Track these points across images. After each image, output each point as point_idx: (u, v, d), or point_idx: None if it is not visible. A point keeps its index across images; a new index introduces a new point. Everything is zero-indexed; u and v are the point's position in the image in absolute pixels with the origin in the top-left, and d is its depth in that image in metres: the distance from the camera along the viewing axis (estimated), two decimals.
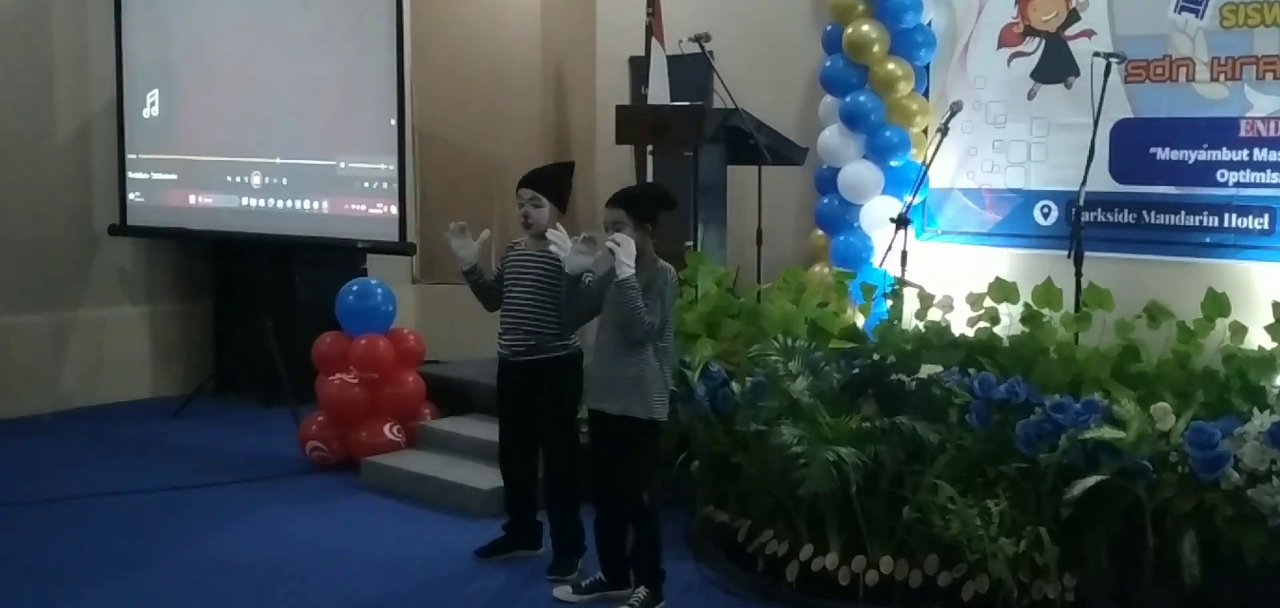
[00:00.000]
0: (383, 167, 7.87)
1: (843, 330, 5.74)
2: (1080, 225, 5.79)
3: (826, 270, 7.12)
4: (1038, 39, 6.71)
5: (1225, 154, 6.14)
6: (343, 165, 8.02)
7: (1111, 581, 4.70)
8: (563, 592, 5.13)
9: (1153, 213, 6.35)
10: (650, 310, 4.67)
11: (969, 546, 4.69)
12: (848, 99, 7.08)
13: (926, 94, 7.18)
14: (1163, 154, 6.31)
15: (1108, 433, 4.58)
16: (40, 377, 8.23)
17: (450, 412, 7.17)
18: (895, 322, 5.64)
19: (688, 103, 7.07)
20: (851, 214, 7.17)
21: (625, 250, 4.65)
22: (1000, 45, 6.84)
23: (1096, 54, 6.18)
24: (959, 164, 6.96)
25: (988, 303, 5.61)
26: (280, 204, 8.24)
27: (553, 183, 5.29)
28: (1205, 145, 6.18)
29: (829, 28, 7.21)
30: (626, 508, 4.86)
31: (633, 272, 4.65)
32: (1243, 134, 6.10)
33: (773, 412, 5.23)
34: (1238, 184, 6.11)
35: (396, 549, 5.69)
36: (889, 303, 5.86)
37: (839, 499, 4.92)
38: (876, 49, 7.00)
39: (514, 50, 9.25)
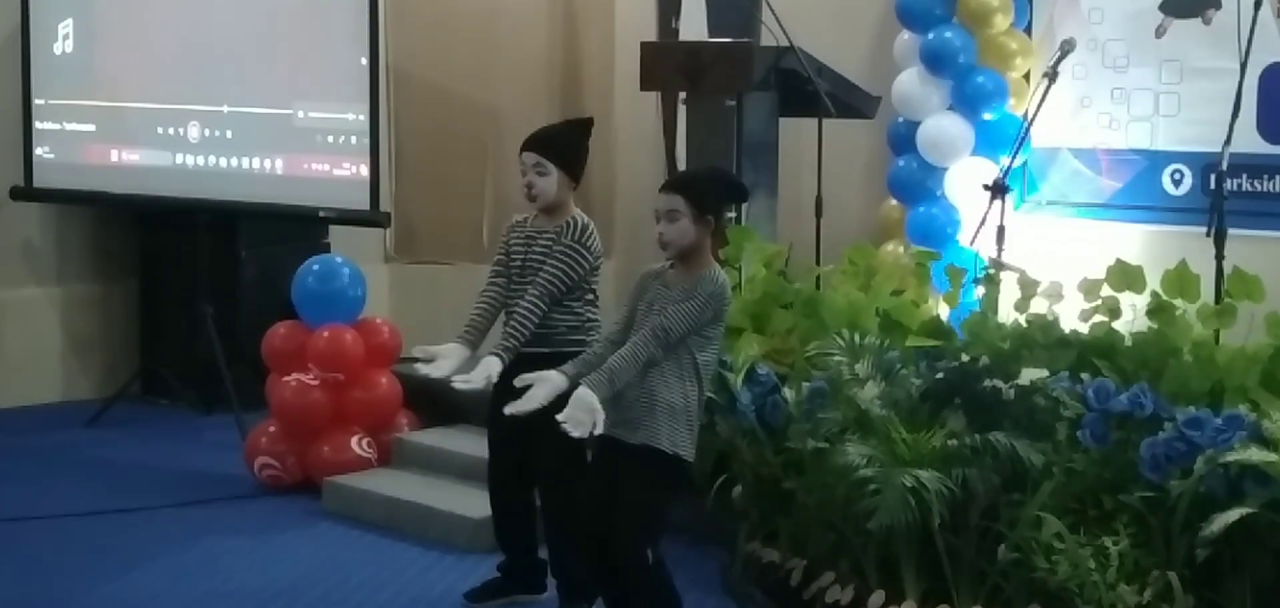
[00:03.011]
0: (351, 117, 7.87)
1: (923, 325, 5.72)
2: (1222, 196, 5.76)
3: (903, 250, 7.10)
4: None
5: None
6: (301, 115, 8.03)
7: None
8: None
9: None
10: (681, 318, 4.57)
11: (1080, 594, 4.67)
12: (930, 35, 7.07)
13: (1028, 30, 7.16)
14: None
15: (1256, 455, 4.54)
16: None
17: (433, 422, 7.19)
18: (989, 314, 5.62)
19: (730, 39, 7.06)
20: (934, 180, 7.16)
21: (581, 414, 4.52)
22: None
23: None
24: (1069, 118, 6.95)
25: (1106, 292, 5.58)
26: (223, 163, 8.25)
27: (564, 147, 5.27)
28: None
29: None
30: (623, 561, 4.69)
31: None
32: None
33: (835, 425, 5.21)
34: None
35: (365, 591, 5.69)
36: (981, 291, 5.84)
37: (918, 535, 4.91)
38: None
39: None
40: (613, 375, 4.52)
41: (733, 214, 6.70)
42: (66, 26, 8.55)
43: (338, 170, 7.95)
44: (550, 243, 5.14)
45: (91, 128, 8.56)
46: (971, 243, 6.32)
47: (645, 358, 4.55)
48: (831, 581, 5.19)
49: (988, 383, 5.15)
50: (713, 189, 4.80)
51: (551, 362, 5.13)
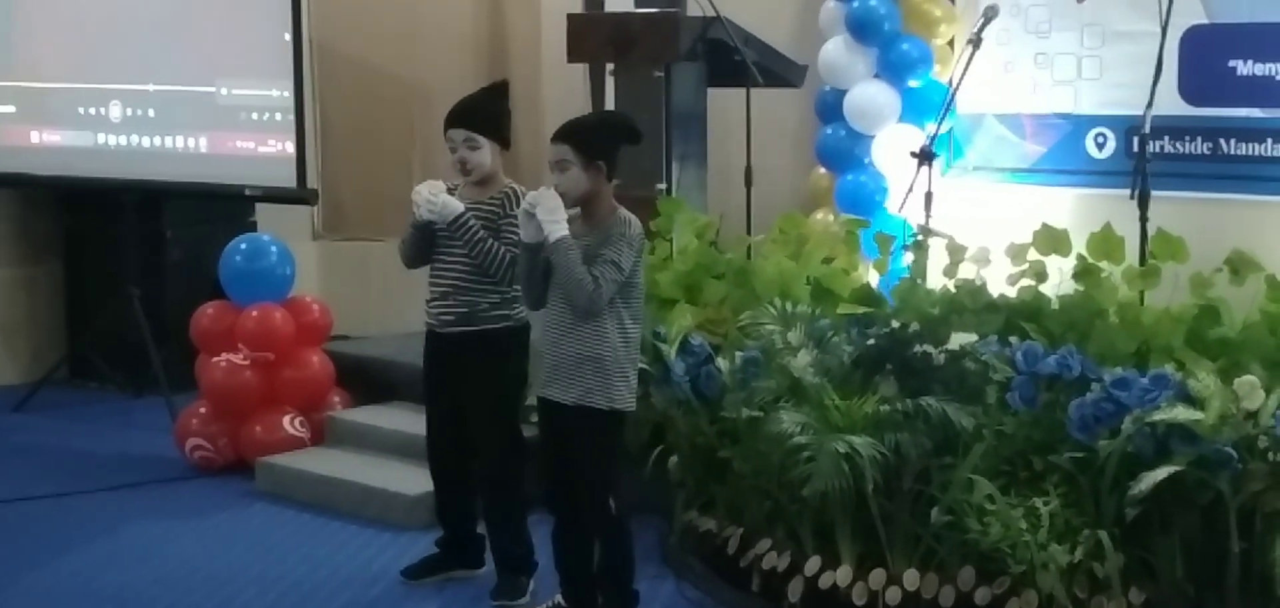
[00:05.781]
0: (275, 93, 7.83)
1: (854, 292, 5.76)
2: (1145, 158, 5.82)
3: (832, 218, 7.14)
4: None
5: None
6: (225, 92, 7.97)
7: (1187, 595, 4.74)
8: None
9: (1233, 141, 6.40)
10: (605, 274, 4.60)
11: (1012, 555, 4.72)
12: (856, 3, 7.09)
13: None
14: (1245, 69, 6.36)
15: (1182, 414, 4.60)
16: None
17: (366, 400, 7.17)
18: (918, 280, 5.66)
19: (657, 10, 7.07)
20: (861, 147, 7.20)
21: (546, 207, 4.56)
22: None
23: None
24: (994, 84, 6.99)
25: (1032, 256, 5.64)
26: (147, 142, 8.18)
27: (490, 116, 5.25)
28: None
29: None
30: (588, 518, 4.85)
31: (564, 230, 4.57)
32: None
33: (769, 394, 5.23)
34: None
35: (301, 571, 5.68)
36: (910, 257, 5.88)
37: (852, 501, 4.94)
38: None
39: None
40: (570, 251, 4.56)
41: (663, 183, 6.73)
42: None
43: (263, 147, 7.91)
44: (494, 215, 5.13)
45: (11, 109, 8.46)
46: (900, 210, 6.36)
47: (582, 290, 4.56)
48: (768, 548, 5.23)
49: (918, 348, 5.19)
50: (599, 134, 4.78)
51: (479, 340, 5.16)
